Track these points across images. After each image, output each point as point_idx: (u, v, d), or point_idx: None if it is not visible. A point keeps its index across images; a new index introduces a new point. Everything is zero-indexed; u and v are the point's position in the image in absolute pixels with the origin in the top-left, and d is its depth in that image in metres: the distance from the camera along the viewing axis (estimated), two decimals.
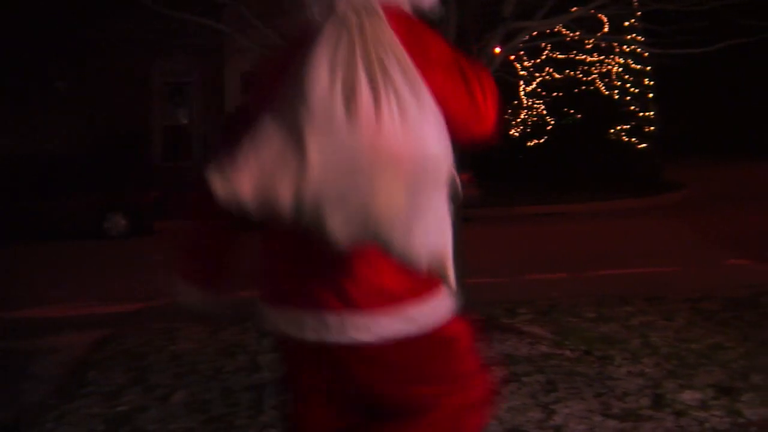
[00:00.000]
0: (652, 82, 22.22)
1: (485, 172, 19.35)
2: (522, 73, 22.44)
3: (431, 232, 2.02)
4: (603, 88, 22.13)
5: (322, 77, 1.90)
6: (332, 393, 2.25)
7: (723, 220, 14.56)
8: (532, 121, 24.03)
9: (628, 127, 22.11)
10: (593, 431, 4.38)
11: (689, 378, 5.19)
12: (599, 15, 15.59)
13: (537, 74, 22.74)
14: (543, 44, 18.29)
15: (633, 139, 22.06)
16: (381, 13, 2.04)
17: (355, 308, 2.05)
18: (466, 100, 2.10)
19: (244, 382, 5.49)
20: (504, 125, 25.93)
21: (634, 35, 16.75)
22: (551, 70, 22.41)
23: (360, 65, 1.92)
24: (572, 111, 22.81)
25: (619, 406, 4.72)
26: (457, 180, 2.17)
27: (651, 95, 22.30)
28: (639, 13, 14.71)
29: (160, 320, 7.59)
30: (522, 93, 23.85)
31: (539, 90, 23.28)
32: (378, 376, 2.15)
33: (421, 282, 2.08)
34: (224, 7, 6.67)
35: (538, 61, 22.11)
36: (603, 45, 21.04)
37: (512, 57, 20.56)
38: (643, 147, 21.95)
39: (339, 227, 1.88)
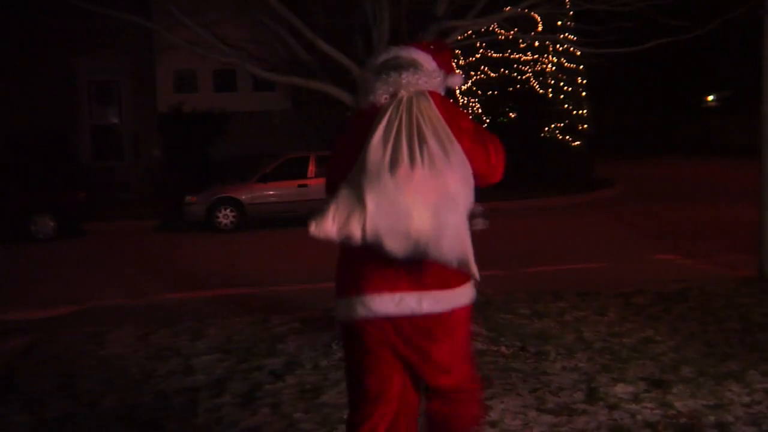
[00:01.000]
0: (585, 81, 22.59)
1: None
2: (457, 71, 22.56)
3: (455, 243, 2.88)
4: (537, 86, 22.40)
5: (377, 151, 2.92)
6: (390, 356, 3.10)
7: (652, 216, 14.89)
8: None
9: (562, 125, 22.43)
10: (528, 426, 4.40)
11: (622, 372, 5.27)
12: (533, 14, 15.78)
13: (472, 73, 22.91)
14: (478, 43, 18.45)
15: (567, 138, 22.38)
16: (428, 96, 3.06)
17: (410, 291, 3.00)
18: (484, 159, 3.10)
19: (177, 386, 5.39)
20: None
21: (567, 34, 17.03)
22: (486, 68, 22.60)
23: (404, 135, 2.93)
24: (507, 109, 23.04)
25: (554, 401, 4.76)
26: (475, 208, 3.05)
27: (584, 94, 22.67)
28: (571, 12, 14.96)
29: (88, 324, 7.41)
30: (458, 91, 24.01)
31: (475, 89, 23.46)
32: (423, 341, 3.05)
33: (453, 277, 3.02)
34: (152, 4, 6.54)
35: (473, 59, 22.27)
36: (537, 44, 21.34)
37: None
38: (577, 145, 22.30)
39: (393, 246, 2.87)
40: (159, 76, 22.48)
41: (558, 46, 20.37)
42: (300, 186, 15.81)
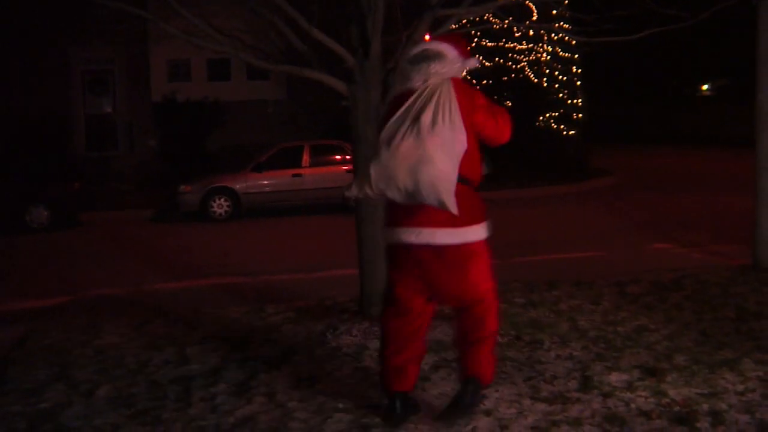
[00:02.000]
0: (580, 70, 22.55)
1: None
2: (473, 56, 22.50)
3: (431, 190, 3.83)
4: (532, 75, 22.36)
5: (388, 129, 3.98)
6: (414, 275, 4.10)
7: (647, 205, 14.91)
8: None
9: (557, 114, 22.41)
10: (523, 415, 4.41)
11: (616, 360, 5.29)
12: (527, 3, 15.73)
13: None
14: (472, 32, 18.41)
15: (561, 127, 22.36)
16: (450, 81, 4.00)
17: (426, 227, 3.99)
18: (494, 126, 4.16)
19: (172, 375, 5.39)
20: None
21: (561, 23, 16.98)
22: (481, 58, 22.54)
23: (410, 116, 3.94)
24: (502, 98, 23.02)
25: (548, 390, 4.77)
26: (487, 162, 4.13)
27: (579, 83, 22.64)
28: (566, 1, 14.92)
29: (83, 314, 7.40)
30: None
31: (469, 78, 23.41)
32: (440, 269, 4.04)
33: (463, 218, 3.96)
34: None
35: (468, 49, 22.23)
36: (531, 33, 21.30)
37: None
38: (572, 134, 22.28)
39: (393, 196, 3.98)
40: (153, 65, 22.42)
41: (553, 35, 20.31)
42: (294, 176, 15.80)
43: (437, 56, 4.03)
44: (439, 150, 3.83)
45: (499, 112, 4.17)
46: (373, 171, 3.95)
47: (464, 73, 4.15)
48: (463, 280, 4.07)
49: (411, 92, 4.02)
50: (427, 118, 3.85)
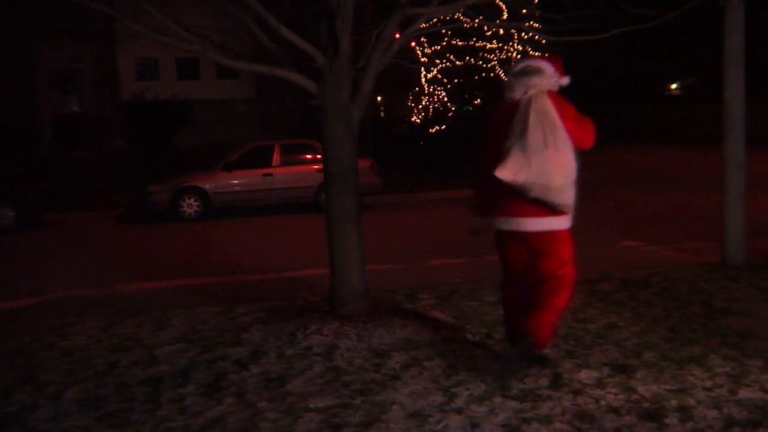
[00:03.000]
0: None
1: (387, 159, 19.40)
2: (423, 60, 22.57)
3: (568, 195, 4.65)
4: (503, 74, 22.46)
5: (535, 131, 4.59)
6: (512, 252, 4.94)
7: (616, 203, 15.02)
8: (433, 108, 24.22)
9: None
10: (494, 413, 4.42)
11: (586, 357, 5.31)
12: (497, 2, 15.77)
13: (438, 61, 22.92)
14: (443, 31, 18.44)
15: None
16: (545, 94, 4.72)
17: (525, 216, 4.74)
18: (583, 135, 4.75)
19: (140, 376, 5.34)
20: (405, 112, 26.06)
21: (531, 23, 17.05)
22: (452, 57, 22.62)
23: (545, 124, 4.62)
24: (473, 98, 23.10)
25: (519, 387, 4.78)
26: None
27: None
28: (536, 0, 14.98)
29: (51, 315, 7.30)
30: (423, 80, 24.01)
31: (440, 77, 23.48)
32: (528, 248, 4.84)
33: (546, 211, 4.69)
34: None
35: (439, 48, 22.28)
36: (502, 32, 21.38)
37: (413, 44, 20.65)
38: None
39: (534, 192, 4.61)
40: (121, 64, 22.20)
41: (523, 34, 20.42)
42: (265, 175, 15.73)
43: (537, 72, 4.74)
44: (572, 162, 4.63)
45: (586, 121, 4.77)
46: (535, 166, 4.54)
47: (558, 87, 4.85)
48: (545, 261, 4.78)
49: (515, 103, 4.73)
50: (558, 131, 4.59)
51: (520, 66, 4.85)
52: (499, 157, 4.63)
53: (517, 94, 4.75)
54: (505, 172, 4.58)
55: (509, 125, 4.71)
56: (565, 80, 4.84)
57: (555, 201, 4.63)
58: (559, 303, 4.80)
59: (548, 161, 4.55)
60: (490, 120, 4.98)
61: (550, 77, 4.75)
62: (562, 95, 4.86)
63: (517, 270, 4.96)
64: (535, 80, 4.72)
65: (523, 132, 4.60)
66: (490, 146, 4.86)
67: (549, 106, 4.62)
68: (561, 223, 4.75)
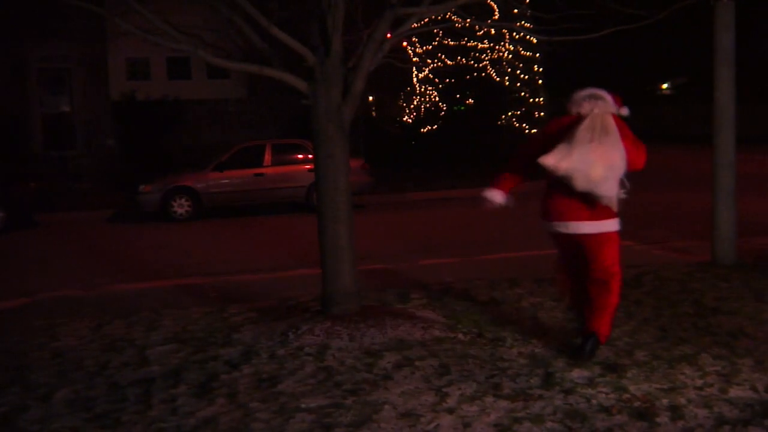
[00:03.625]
0: (541, 69, 22.72)
1: (379, 159, 19.40)
2: (415, 59, 22.58)
3: (609, 189, 5.13)
4: (494, 74, 22.49)
5: (583, 133, 5.11)
6: (570, 252, 5.51)
7: None
8: (425, 107, 24.23)
9: (519, 113, 22.56)
10: (485, 412, 4.42)
11: (577, 357, 5.31)
12: (489, 2, 15.77)
13: (429, 61, 22.93)
14: (435, 31, 18.45)
15: (524, 125, 22.52)
16: (610, 115, 5.25)
17: (582, 219, 5.26)
18: (636, 154, 5.27)
19: (131, 377, 5.32)
20: (397, 112, 26.05)
21: (523, 22, 17.09)
22: (443, 56, 22.63)
23: (596, 129, 5.13)
24: (464, 97, 23.12)
25: (511, 387, 4.78)
26: (625, 182, 5.28)
27: (541, 81, 22.81)
28: (527, 0, 15.01)
29: (41, 316, 7.27)
30: (415, 80, 24.02)
31: (432, 76, 23.48)
32: (584, 249, 5.34)
33: (600, 214, 5.23)
34: None
35: (430, 47, 22.29)
36: (493, 32, 21.41)
37: (405, 43, 20.65)
38: (534, 132, 22.45)
39: (577, 182, 5.08)
40: (111, 63, 22.12)
41: (514, 33, 20.44)
42: (256, 175, 15.71)
43: (601, 98, 5.33)
44: (617, 162, 5.11)
45: (640, 143, 5.34)
46: (576, 155, 5.05)
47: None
48: (599, 260, 5.30)
49: (580, 116, 5.27)
50: (609, 136, 5.13)
51: (587, 91, 5.43)
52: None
53: (584, 109, 5.29)
54: (548, 159, 5.09)
55: (562, 130, 5.32)
56: (625, 110, 5.44)
57: (597, 192, 5.10)
58: (613, 300, 5.33)
59: (590, 152, 5.04)
60: (551, 127, 5.53)
61: (611, 105, 5.33)
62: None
63: (573, 264, 5.54)
64: (599, 104, 5.29)
65: (575, 132, 5.15)
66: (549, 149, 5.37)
67: (610, 120, 5.19)
68: (612, 225, 5.33)
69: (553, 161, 5.11)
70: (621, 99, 5.52)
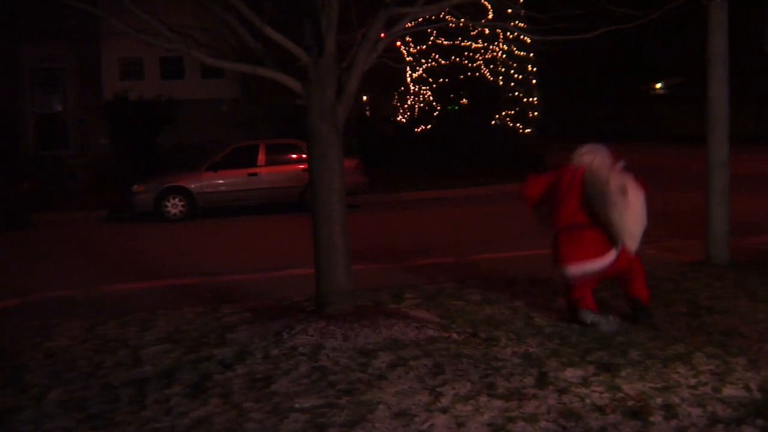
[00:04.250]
0: (535, 69, 22.71)
1: (373, 158, 19.39)
2: (408, 59, 22.56)
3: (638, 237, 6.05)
4: (488, 74, 22.48)
5: (612, 183, 5.98)
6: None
7: None
8: (419, 107, 24.22)
9: (513, 112, 22.55)
10: (479, 411, 4.42)
11: (571, 356, 5.33)
12: (483, 1, 15.77)
13: (423, 60, 22.91)
14: (429, 30, 18.43)
15: (517, 125, 22.52)
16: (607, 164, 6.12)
17: (590, 260, 6.08)
18: (641, 185, 6.09)
19: (125, 377, 5.31)
20: (391, 111, 26.05)
21: (517, 22, 17.09)
22: (437, 56, 22.62)
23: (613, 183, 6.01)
24: (458, 97, 23.11)
25: (505, 386, 4.79)
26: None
27: (535, 81, 22.80)
28: (521, 0, 15.02)
29: (35, 316, 7.25)
30: (409, 79, 24.01)
31: (426, 76, 23.47)
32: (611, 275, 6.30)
33: (604, 249, 6.06)
34: None
35: (424, 47, 22.27)
36: (487, 32, 21.41)
37: (399, 43, 20.65)
38: (528, 132, 22.46)
39: (633, 243, 6.05)
40: (105, 63, 22.06)
41: (508, 33, 20.45)
42: (250, 175, 15.68)
43: (599, 151, 6.15)
44: (641, 209, 6.03)
45: (637, 179, 6.08)
46: (616, 211, 5.88)
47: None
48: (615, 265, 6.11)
49: (582, 167, 6.10)
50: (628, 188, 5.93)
51: (587, 148, 6.22)
52: (576, 214, 6.12)
53: (586, 160, 6.11)
54: (633, 244, 5.99)
55: (579, 186, 6.11)
56: (620, 164, 6.08)
57: (627, 245, 5.98)
58: (640, 271, 6.21)
59: (623, 207, 5.88)
60: (561, 178, 6.23)
61: (608, 159, 6.09)
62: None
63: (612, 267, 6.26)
64: (598, 159, 6.09)
65: (610, 203, 5.91)
66: (560, 201, 6.20)
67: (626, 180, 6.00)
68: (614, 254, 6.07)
69: (635, 244, 6.00)
70: (616, 153, 6.21)
